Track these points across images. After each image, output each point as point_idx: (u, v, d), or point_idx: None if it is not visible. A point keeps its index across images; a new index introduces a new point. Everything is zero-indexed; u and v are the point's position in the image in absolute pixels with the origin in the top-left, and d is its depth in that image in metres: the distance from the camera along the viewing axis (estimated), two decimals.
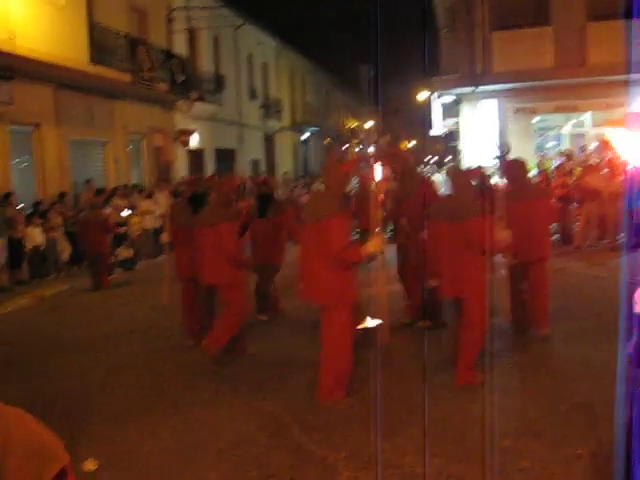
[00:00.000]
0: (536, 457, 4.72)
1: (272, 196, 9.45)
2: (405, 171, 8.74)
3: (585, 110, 21.30)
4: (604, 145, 18.32)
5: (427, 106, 31.61)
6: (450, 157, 34.05)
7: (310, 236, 5.84)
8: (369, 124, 51.76)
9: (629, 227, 12.79)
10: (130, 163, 20.27)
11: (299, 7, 43.63)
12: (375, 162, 16.51)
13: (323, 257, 5.68)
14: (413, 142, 63.57)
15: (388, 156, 10.12)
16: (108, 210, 14.52)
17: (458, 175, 7.04)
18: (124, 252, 15.06)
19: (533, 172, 17.69)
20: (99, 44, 17.54)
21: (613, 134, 14.34)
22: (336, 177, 5.94)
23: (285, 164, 35.29)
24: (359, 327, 8.41)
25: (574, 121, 22.36)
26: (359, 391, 6.16)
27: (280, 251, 9.33)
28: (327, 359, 5.96)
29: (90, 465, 4.91)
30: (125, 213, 15.42)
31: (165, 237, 8.83)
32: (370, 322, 8.43)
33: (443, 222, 6.29)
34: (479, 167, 13.77)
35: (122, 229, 14.73)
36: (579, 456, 4.69)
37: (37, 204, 14.55)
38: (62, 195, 15.44)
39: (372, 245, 5.79)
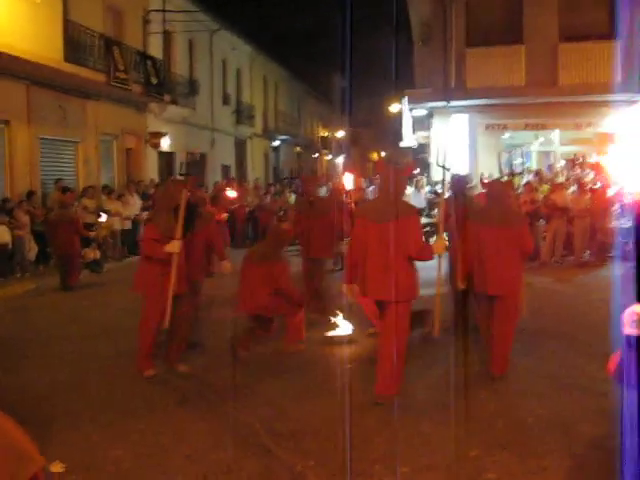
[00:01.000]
0: (503, 468, 4.79)
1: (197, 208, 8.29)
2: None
3: (554, 128, 21.64)
4: (574, 165, 18.67)
5: (398, 118, 31.82)
6: (418, 169, 34.24)
7: (381, 236, 6.05)
8: (340, 134, 52.02)
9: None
10: (101, 164, 20.10)
11: (275, 15, 43.79)
12: (345, 172, 16.68)
13: (399, 255, 6.00)
14: (383, 153, 63.96)
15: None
16: (77, 210, 14.39)
17: (494, 185, 7.71)
18: (91, 253, 14.89)
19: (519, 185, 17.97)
20: (74, 43, 17.44)
21: (606, 157, 14.55)
22: (397, 182, 6.35)
23: (256, 170, 35.26)
24: (328, 335, 8.49)
25: (542, 139, 22.70)
26: (329, 400, 6.19)
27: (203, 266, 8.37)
28: (389, 354, 6.09)
29: (56, 468, 4.86)
30: (102, 218, 15.33)
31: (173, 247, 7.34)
32: (340, 330, 8.50)
33: (489, 227, 6.84)
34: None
35: (91, 233, 14.58)
36: (544, 468, 4.77)
37: (4, 202, 14.38)
38: (30, 194, 15.27)
39: (437, 247, 6.35)
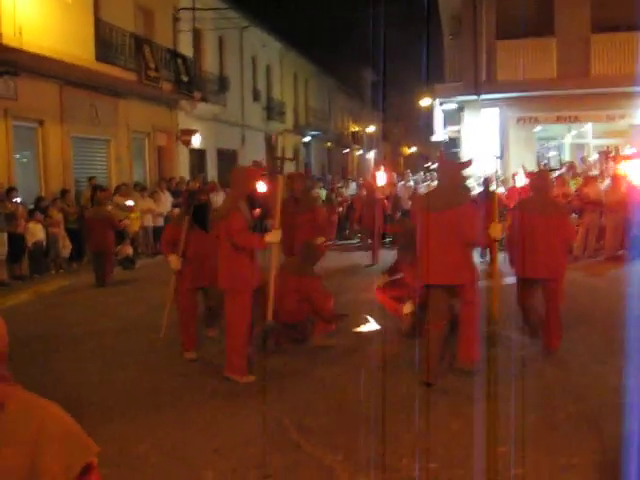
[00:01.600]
0: (531, 464, 4.76)
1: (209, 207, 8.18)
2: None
3: (586, 121, 21.40)
4: (607, 157, 18.41)
5: (429, 112, 31.71)
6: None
7: (440, 224, 6.40)
8: (371, 129, 51.92)
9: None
10: (133, 161, 20.31)
11: (304, 10, 43.79)
12: (377, 168, 16.66)
13: (458, 241, 6.41)
14: (414, 148, 63.76)
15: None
16: (110, 207, 14.56)
17: (539, 176, 8.27)
18: (125, 250, 15.09)
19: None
20: (105, 42, 17.61)
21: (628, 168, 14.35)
22: (453, 173, 6.84)
23: (287, 167, 35.28)
24: (356, 330, 8.51)
25: (575, 132, 22.45)
26: (357, 396, 6.20)
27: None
28: (472, 330, 6.64)
29: None
30: (130, 203, 15.53)
31: (175, 263, 7.60)
32: (369, 326, 8.51)
33: (536, 216, 7.24)
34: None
35: (125, 223, 14.76)
36: (574, 465, 4.74)
37: (39, 200, 14.59)
38: (64, 192, 15.48)
39: (495, 231, 6.82)
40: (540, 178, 8.00)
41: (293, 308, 7.72)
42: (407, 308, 8.05)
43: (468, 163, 7.47)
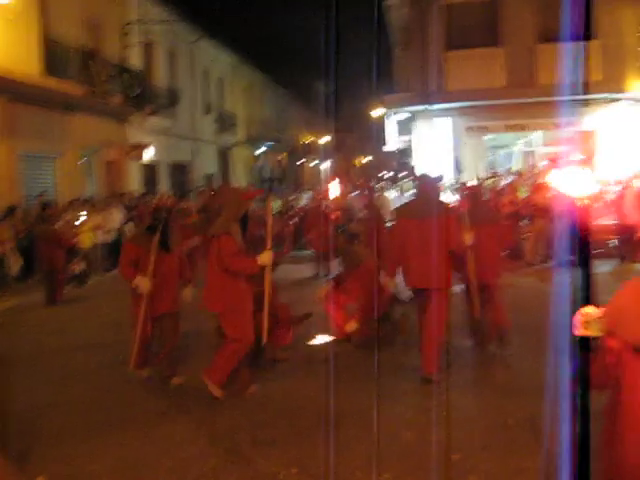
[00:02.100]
0: (484, 470, 4.81)
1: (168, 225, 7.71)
2: None
3: (534, 129, 21.79)
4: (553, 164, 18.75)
5: (382, 123, 31.94)
6: (404, 173, 34.38)
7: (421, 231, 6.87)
8: (325, 139, 52.09)
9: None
10: (82, 177, 20.04)
11: (255, 23, 43.84)
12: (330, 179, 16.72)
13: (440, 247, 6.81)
14: (368, 158, 64.13)
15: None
16: (60, 224, 14.31)
17: (475, 189, 8.62)
18: (76, 267, 14.85)
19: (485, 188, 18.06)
20: (53, 56, 17.39)
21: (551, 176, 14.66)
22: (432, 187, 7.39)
23: (240, 179, 35.24)
24: (308, 342, 8.51)
25: (525, 140, 22.84)
26: (310, 407, 6.20)
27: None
28: (432, 338, 6.90)
29: None
30: (81, 219, 15.25)
31: (145, 285, 7.08)
32: (320, 338, 8.51)
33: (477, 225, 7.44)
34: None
35: (74, 241, 14.50)
36: (525, 469, 4.79)
37: None
38: (12, 209, 15.19)
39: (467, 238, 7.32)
40: (473, 190, 8.40)
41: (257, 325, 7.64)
42: (350, 327, 8.13)
43: (439, 178, 7.85)
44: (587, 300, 2.67)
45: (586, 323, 2.58)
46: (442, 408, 5.97)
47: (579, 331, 2.60)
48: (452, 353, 7.64)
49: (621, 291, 2.84)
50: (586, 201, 2.97)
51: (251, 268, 6.43)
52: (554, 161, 19.11)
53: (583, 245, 2.88)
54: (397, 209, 8.01)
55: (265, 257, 6.45)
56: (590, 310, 2.59)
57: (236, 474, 4.96)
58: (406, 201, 8.54)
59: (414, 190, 9.70)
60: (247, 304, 6.54)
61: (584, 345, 2.64)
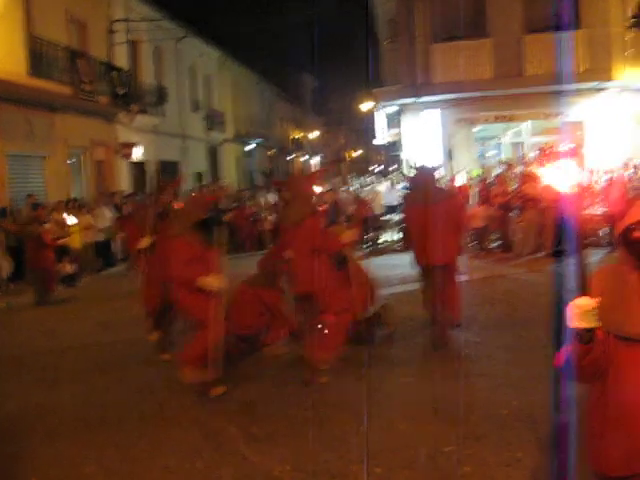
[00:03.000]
0: (477, 461, 4.81)
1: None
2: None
3: (523, 120, 21.81)
4: (545, 154, 18.81)
5: (371, 117, 31.93)
6: (395, 166, 34.42)
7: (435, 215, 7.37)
8: (314, 134, 52.09)
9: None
10: (71, 177, 19.95)
11: (241, 19, 43.75)
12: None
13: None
14: (359, 152, 64.20)
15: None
16: (49, 225, 14.25)
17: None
18: (66, 267, 14.79)
19: (475, 180, 18.10)
20: (38, 56, 17.29)
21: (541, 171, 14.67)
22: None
23: (230, 176, 35.15)
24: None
25: (513, 130, 22.86)
26: (303, 401, 6.20)
27: None
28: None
29: None
30: (71, 221, 15.13)
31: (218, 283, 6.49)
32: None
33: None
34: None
35: (61, 241, 14.41)
36: (519, 459, 4.80)
37: None
38: (1, 210, 15.11)
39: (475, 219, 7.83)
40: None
41: (253, 321, 7.69)
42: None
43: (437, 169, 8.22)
44: (581, 291, 2.65)
45: (580, 315, 2.57)
46: (435, 400, 5.97)
47: (573, 323, 2.58)
48: (442, 345, 7.67)
49: (595, 280, 2.84)
50: (576, 191, 2.96)
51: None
52: (546, 153, 19.20)
53: (575, 235, 2.86)
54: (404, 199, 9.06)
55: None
56: (584, 301, 2.57)
57: (231, 471, 4.96)
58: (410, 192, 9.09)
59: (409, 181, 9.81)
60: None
61: (578, 336, 2.63)
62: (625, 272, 2.73)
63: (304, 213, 6.91)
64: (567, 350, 2.72)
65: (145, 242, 7.55)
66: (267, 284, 7.89)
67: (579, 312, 2.57)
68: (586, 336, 2.61)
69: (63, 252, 14.68)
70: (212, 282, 6.27)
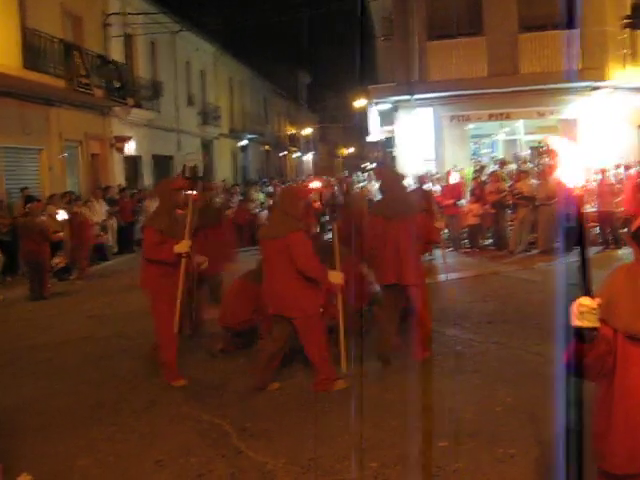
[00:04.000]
0: (471, 457, 4.84)
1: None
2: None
3: (517, 118, 21.84)
4: (539, 152, 18.87)
5: (365, 113, 31.93)
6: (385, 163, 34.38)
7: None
8: (307, 131, 52.06)
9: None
10: (66, 170, 19.91)
11: (237, 14, 43.64)
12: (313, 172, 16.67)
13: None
14: (352, 149, 64.19)
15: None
16: (43, 218, 14.21)
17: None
18: (59, 260, 14.74)
19: (469, 178, 18.14)
20: (33, 49, 17.22)
21: (556, 142, 14.66)
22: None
23: (223, 171, 35.13)
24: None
25: (507, 129, 22.90)
26: (297, 397, 6.22)
27: None
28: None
29: (24, 479, 4.83)
30: (61, 216, 15.05)
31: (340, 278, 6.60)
32: None
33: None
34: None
35: (59, 235, 14.39)
36: (512, 455, 4.84)
37: None
38: None
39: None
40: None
41: (247, 316, 7.70)
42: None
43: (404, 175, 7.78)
44: (584, 290, 2.66)
45: (582, 314, 2.58)
46: (429, 396, 6.00)
47: (575, 322, 2.59)
48: (436, 341, 7.69)
49: (609, 278, 2.86)
50: (579, 190, 2.98)
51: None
52: (538, 149, 19.27)
53: (580, 233, 2.87)
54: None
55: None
56: (587, 301, 2.58)
57: (224, 465, 4.97)
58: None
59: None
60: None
61: (580, 335, 2.64)
62: (637, 271, 2.75)
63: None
64: (571, 348, 2.73)
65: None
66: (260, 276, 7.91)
67: (581, 311, 2.58)
68: (588, 335, 2.62)
69: (56, 246, 14.64)
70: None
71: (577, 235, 2.83)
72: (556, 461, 3.63)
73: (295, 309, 6.27)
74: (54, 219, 14.73)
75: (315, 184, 13.66)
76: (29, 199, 14.52)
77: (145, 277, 6.91)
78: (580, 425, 2.75)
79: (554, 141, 19.47)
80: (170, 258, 6.64)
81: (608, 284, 2.83)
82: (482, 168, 18.39)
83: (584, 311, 2.57)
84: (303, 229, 6.49)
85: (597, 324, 2.59)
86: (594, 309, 2.56)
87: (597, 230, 15.25)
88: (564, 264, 12.96)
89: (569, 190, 2.92)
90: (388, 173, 8.39)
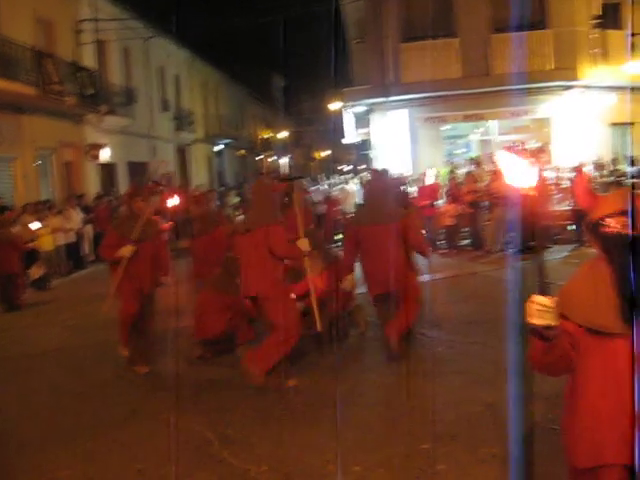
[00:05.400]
0: (453, 459, 4.86)
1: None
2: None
3: (491, 118, 21.96)
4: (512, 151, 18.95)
5: (340, 116, 31.95)
6: (364, 165, 34.49)
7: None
8: (283, 134, 52.03)
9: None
10: (39, 179, 19.72)
11: (210, 19, 43.51)
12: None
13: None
14: (327, 152, 64.22)
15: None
16: (17, 228, 14.06)
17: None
18: (36, 271, 14.60)
19: (444, 179, 18.22)
20: (3, 56, 17.04)
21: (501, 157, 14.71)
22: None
23: (199, 176, 34.99)
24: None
25: (482, 129, 23.03)
26: (278, 403, 6.21)
27: None
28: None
29: None
30: (35, 226, 14.88)
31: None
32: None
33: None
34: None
35: (32, 244, 14.23)
36: (494, 455, 4.85)
37: None
38: None
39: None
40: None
41: (221, 326, 7.72)
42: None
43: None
44: (539, 288, 2.71)
45: (537, 312, 2.62)
46: (410, 398, 6.01)
47: (531, 320, 2.64)
48: (416, 343, 7.71)
49: (574, 277, 2.90)
50: (531, 191, 3.00)
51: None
52: (510, 150, 19.37)
53: (532, 233, 2.93)
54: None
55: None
56: (541, 299, 2.62)
57: (207, 472, 4.95)
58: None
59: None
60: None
61: (535, 333, 2.68)
62: (597, 265, 2.80)
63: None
64: (533, 346, 2.78)
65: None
66: (228, 285, 7.92)
67: (536, 310, 2.62)
68: (545, 333, 2.66)
69: (33, 255, 14.51)
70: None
71: (530, 236, 2.88)
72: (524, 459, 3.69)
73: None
74: (28, 229, 14.57)
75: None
76: (1, 209, 14.36)
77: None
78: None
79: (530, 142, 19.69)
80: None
81: (571, 279, 2.88)
82: (455, 168, 18.46)
83: (540, 309, 2.61)
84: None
85: (553, 322, 2.62)
86: (549, 307, 2.60)
87: (572, 228, 15.40)
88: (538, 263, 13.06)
89: (519, 191, 2.95)
90: (376, 178, 8.40)
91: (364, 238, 7.18)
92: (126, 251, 7.30)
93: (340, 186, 23.15)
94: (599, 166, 17.71)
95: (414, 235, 7.20)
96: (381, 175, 8.42)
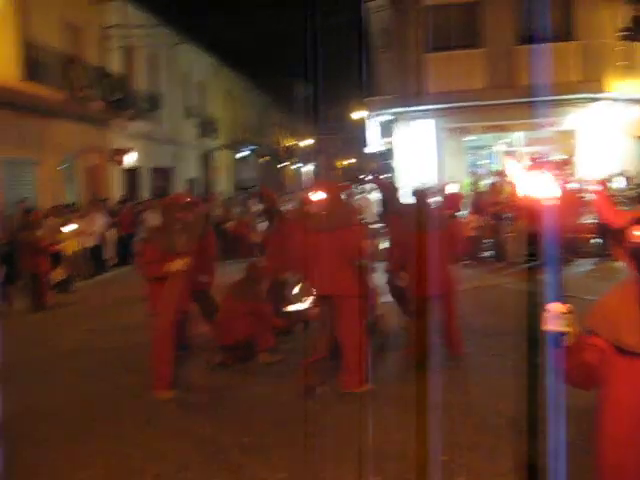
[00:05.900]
0: (472, 471, 4.82)
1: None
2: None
3: (516, 130, 21.87)
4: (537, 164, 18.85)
5: (363, 125, 31.95)
6: (387, 175, 34.37)
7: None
8: (306, 142, 52.08)
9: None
10: (64, 182, 19.89)
11: (236, 26, 43.68)
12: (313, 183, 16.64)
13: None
14: (351, 160, 64.21)
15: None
16: (42, 230, 14.17)
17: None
18: (58, 273, 14.71)
19: (466, 189, 18.16)
20: (32, 61, 17.24)
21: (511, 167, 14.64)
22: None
23: (222, 182, 35.15)
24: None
25: (506, 140, 22.93)
26: (297, 410, 6.19)
27: None
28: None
29: None
30: (68, 228, 14.97)
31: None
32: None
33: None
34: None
35: (58, 246, 14.36)
36: (514, 468, 4.81)
37: None
38: None
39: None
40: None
41: (242, 332, 7.75)
42: None
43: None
44: (558, 299, 2.71)
45: (552, 318, 2.63)
46: (429, 410, 5.97)
47: (546, 326, 2.65)
48: (438, 354, 7.66)
49: (609, 292, 2.88)
50: (552, 202, 2.99)
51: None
52: (534, 162, 19.27)
53: (551, 245, 2.91)
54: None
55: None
56: (556, 306, 2.63)
57: (224, 479, 4.94)
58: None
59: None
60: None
61: (553, 341, 2.69)
62: (629, 282, 2.77)
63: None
64: (553, 354, 2.78)
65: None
66: (249, 291, 8.01)
67: (551, 316, 2.63)
68: (560, 340, 2.66)
69: (56, 258, 14.63)
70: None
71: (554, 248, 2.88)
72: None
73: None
74: (53, 231, 14.70)
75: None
76: (27, 212, 14.51)
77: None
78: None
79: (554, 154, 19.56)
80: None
81: (605, 297, 2.89)
82: (479, 179, 18.39)
83: (554, 315, 2.62)
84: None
85: (567, 329, 2.62)
86: (563, 314, 2.60)
87: (596, 241, 15.27)
88: (567, 275, 12.96)
89: (539, 202, 2.95)
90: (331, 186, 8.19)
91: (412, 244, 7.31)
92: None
93: (362, 195, 23.07)
94: (624, 179, 17.56)
95: (460, 242, 7.51)
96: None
